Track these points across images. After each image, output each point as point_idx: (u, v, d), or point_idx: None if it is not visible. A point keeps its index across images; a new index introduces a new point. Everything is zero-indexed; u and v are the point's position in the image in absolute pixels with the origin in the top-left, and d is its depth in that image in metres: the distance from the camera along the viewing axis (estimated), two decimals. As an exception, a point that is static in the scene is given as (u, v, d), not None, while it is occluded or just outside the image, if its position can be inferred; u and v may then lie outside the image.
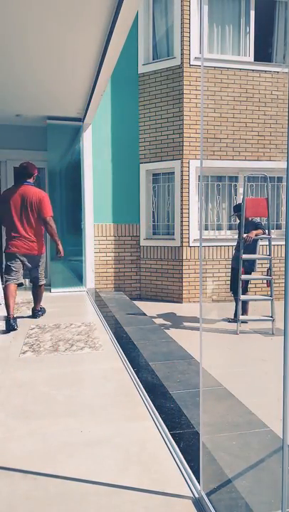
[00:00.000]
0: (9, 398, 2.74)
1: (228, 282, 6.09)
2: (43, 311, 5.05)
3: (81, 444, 2.18)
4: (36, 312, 4.94)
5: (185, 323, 5.92)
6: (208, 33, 7.37)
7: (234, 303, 5.74)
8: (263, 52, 7.64)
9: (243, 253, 5.43)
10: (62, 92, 5.51)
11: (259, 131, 7.51)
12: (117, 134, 7.63)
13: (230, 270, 6.05)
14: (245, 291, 5.81)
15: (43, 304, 5.02)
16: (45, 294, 6.33)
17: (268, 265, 5.54)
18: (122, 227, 7.73)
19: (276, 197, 7.63)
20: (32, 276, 4.75)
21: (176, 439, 2.23)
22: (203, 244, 7.28)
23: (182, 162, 7.26)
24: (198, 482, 1.83)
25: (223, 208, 7.63)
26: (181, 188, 7.30)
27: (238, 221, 6.10)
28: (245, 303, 5.77)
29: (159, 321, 5.95)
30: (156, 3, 7.59)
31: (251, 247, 5.59)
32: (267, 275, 5.53)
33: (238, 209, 5.79)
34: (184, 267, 7.35)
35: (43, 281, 4.81)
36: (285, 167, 1.42)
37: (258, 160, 7.52)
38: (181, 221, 7.33)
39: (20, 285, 4.64)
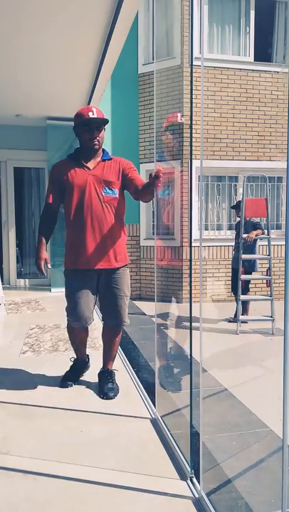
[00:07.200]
0: (9, 398, 2.74)
1: (229, 282, 6.09)
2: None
3: (81, 444, 2.17)
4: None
5: (185, 323, 5.92)
6: (208, 33, 7.37)
7: (234, 303, 5.74)
8: (263, 52, 7.63)
9: (243, 253, 5.43)
10: (63, 92, 5.51)
11: (259, 131, 7.50)
12: (117, 134, 7.62)
13: (230, 270, 6.06)
14: (246, 292, 5.81)
15: (43, 304, 4.84)
16: (45, 294, 6.34)
17: (267, 265, 5.55)
18: (122, 227, 7.72)
19: (276, 197, 7.62)
20: None
21: (176, 439, 2.23)
22: (203, 244, 7.28)
23: (182, 162, 7.26)
24: (198, 482, 1.83)
25: (223, 208, 7.63)
26: (181, 188, 7.30)
27: (237, 219, 6.10)
28: (245, 303, 5.77)
29: (159, 321, 5.95)
30: (157, 3, 7.58)
31: (251, 247, 5.59)
32: (267, 275, 5.53)
33: (237, 207, 5.80)
34: (183, 267, 7.34)
35: None
36: (285, 167, 1.42)
37: (257, 160, 7.51)
38: (181, 221, 7.32)
39: None
